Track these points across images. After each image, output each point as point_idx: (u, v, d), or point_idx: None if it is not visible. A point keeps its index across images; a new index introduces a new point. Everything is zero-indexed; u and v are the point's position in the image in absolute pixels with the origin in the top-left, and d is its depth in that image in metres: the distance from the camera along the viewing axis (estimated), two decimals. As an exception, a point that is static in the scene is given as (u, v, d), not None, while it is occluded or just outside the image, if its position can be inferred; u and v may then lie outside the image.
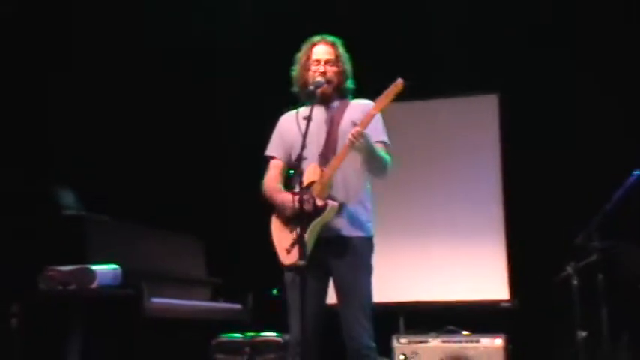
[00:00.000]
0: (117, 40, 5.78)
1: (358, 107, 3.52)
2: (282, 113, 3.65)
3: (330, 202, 3.34)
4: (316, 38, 3.57)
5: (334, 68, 3.51)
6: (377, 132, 3.43)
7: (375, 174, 3.46)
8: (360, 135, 3.23)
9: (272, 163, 3.60)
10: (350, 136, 3.24)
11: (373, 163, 3.39)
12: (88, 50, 5.80)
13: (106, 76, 5.78)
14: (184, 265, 4.86)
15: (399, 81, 3.22)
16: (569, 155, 5.29)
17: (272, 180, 3.55)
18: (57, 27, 5.72)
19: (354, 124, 3.27)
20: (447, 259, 5.46)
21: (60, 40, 5.73)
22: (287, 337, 4.34)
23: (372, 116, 3.29)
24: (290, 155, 3.53)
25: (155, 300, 4.10)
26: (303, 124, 3.29)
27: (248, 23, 5.91)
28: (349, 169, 3.39)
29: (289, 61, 3.60)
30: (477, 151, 5.56)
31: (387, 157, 3.44)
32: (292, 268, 3.28)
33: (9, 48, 5.44)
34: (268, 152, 3.63)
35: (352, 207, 3.42)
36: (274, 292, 4.43)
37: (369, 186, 3.53)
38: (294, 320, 3.31)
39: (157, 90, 5.84)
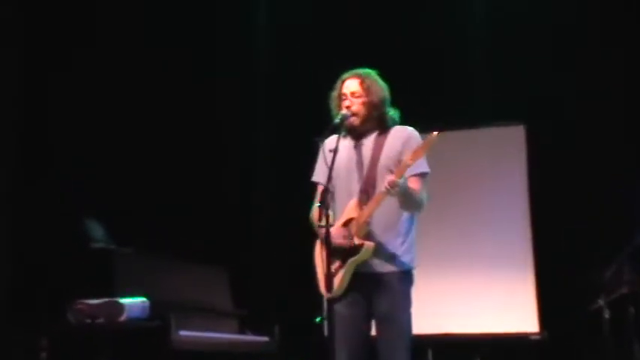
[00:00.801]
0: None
1: (398, 136, 3.49)
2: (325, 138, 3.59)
3: (366, 243, 3.36)
4: (346, 74, 3.58)
5: (360, 99, 3.50)
6: (415, 165, 3.39)
7: (409, 212, 3.48)
8: (395, 184, 3.25)
9: (319, 189, 3.55)
10: (386, 184, 3.26)
11: (407, 205, 3.41)
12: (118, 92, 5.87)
13: (143, 107, 5.85)
14: (211, 296, 4.86)
15: (434, 134, 3.23)
16: (598, 186, 5.24)
17: (317, 208, 3.53)
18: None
19: (390, 172, 3.30)
20: (476, 291, 5.40)
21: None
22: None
23: (407, 166, 3.29)
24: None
25: (183, 332, 4.10)
26: (330, 156, 3.32)
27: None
28: (388, 205, 3.39)
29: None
30: (505, 182, 5.53)
31: (422, 198, 3.44)
32: (330, 300, 3.28)
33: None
34: (314, 178, 3.62)
35: (389, 243, 3.42)
36: (318, 320, 4.40)
37: (411, 219, 3.50)
38: (339, 351, 3.28)
39: (191, 129, 5.90)
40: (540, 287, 5.33)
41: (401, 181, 3.27)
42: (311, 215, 3.54)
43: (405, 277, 3.45)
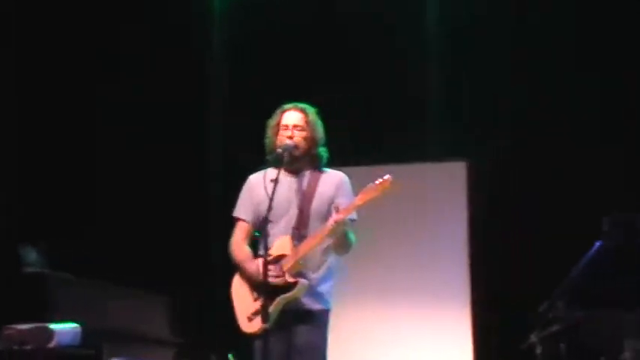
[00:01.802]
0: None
1: (330, 180, 3.55)
2: (250, 173, 3.67)
3: (301, 281, 3.39)
4: (288, 105, 3.62)
5: (303, 133, 3.53)
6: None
7: (338, 254, 3.54)
8: (343, 223, 3.30)
9: (239, 224, 3.61)
10: (331, 222, 3.30)
11: (341, 246, 3.47)
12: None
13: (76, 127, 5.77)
14: (148, 324, 4.78)
15: (388, 178, 3.27)
16: (536, 224, 5.34)
17: (240, 243, 3.56)
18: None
19: (336, 209, 3.32)
20: (411, 324, 5.44)
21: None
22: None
23: (356, 206, 3.35)
24: (257, 217, 3.54)
25: (115, 360, 4.02)
26: (270, 186, 3.33)
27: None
28: (319, 245, 3.44)
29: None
30: (444, 218, 5.60)
31: (353, 240, 3.49)
32: (253, 335, 3.31)
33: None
34: (236, 213, 3.63)
35: (319, 282, 3.47)
36: (230, 356, 4.39)
37: (335, 260, 3.55)
38: None
39: (124, 146, 5.84)
40: (477, 323, 5.39)
41: (346, 219, 3.30)
42: (230, 249, 3.56)
43: (327, 314, 3.51)
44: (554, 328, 4.15)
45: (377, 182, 3.30)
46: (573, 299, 4.16)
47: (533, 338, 4.27)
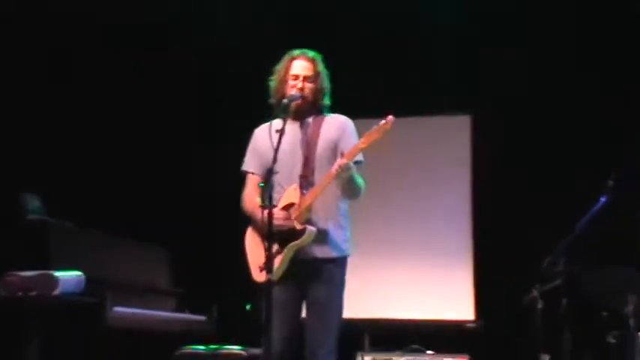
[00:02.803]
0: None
1: (333, 124, 3.52)
2: (256, 126, 3.63)
3: (309, 228, 3.36)
4: (296, 52, 3.56)
5: (311, 85, 3.50)
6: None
7: (349, 198, 3.50)
8: (347, 167, 3.27)
9: (249, 177, 3.59)
10: (336, 167, 3.27)
11: (350, 190, 3.43)
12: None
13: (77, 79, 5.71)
14: (149, 274, 4.80)
15: (390, 118, 3.23)
16: (540, 179, 5.33)
17: (251, 195, 3.54)
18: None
19: (342, 154, 3.29)
20: (414, 278, 5.47)
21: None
22: (251, 351, 4.33)
23: (359, 149, 3.30)
24: (264, 168, 3.50)
25: (118, 309, 4.04)
26: (275, 137, 3.29)
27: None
28: (328, 191, 3.40)
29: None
30: (448, 172, 5.59)
31: (362, 184, 3.45)
32: (263, 284, 3.27)
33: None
34: (245, 167, 3.62)
35: (329, 228, 3.44)
36: (247, 307, 4.40)
37: (346, 205, 3.53)
38: (274, 335, 3.25)
39: (123, 93, 5.78)
40: (478, 276, 5.42)
41: (351, 163, 3.27)
42: (242, 202, 3.56)
43: (341, 263, 3.48)
44: (556, 282, 4.17)
45: (380, 124, 3.26)
46: (576, 254, 4.17)
47: (534, 292, 4.29)
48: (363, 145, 3.29)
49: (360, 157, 3.44)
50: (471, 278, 5.42)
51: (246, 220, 3.55)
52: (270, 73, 3.57)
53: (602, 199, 4.06)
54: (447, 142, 5.63)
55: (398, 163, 5.56)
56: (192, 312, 4.85)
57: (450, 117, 5.69)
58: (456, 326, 5.34)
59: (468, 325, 5.34)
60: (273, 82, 3.55)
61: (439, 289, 5.44)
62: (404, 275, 5.48)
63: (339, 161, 3.27)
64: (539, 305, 4.24)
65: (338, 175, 3.28)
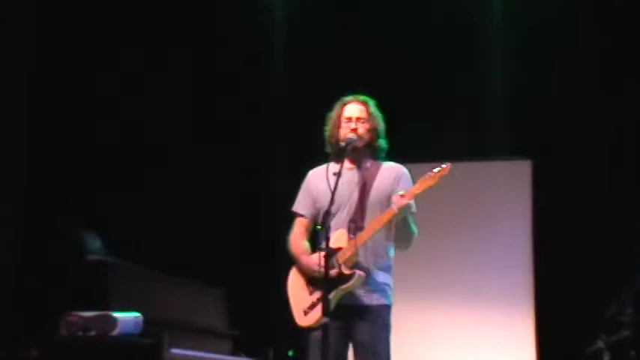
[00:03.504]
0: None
1: (389, 172, 3.51)
2: (310, 168, 3.64)
3: (357, 272, 3.33)
4: (348, 98, 3.59)
5: (366, 125, 3.51)
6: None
7: (400, 246, 3.47)
8: (408, 207, 3.24)
9: (298, 220, 3.59)
10: (396, 207, 3.24)
11: (404, 235, 3.40)
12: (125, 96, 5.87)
13: (137, 116, 5.82)
14: (205, 316, 4.80)
15: (448, 165, 3.23)
16: (602, 224, 5.20)
17: (298, 237, 3.54)
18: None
19: (401, 196, 3.26)
20: (474, 326, 5.36)
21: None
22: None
23: (413, 194, 3.28)
24: (317, 211, 3.50)
25: (175, 351, 4.03)
26: (332, 179, 3.30)
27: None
28: (376, 238, 3.39)
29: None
30: (509, 216, 5.51)
31: (415, 231, 3.42)
32: (308, 329, 3.28)
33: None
34: (295, 208, 3.62)
35: (377, 275, 3.41)
36: (290, 353, 4.37)
37: (393, 253, 3.50)
38: None
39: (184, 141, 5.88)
40: (539, 323, 5.28)
41: (412, 203, 3.23)
42: (288, 244, 3.55)
43: (388, 310, 3.44)
44: (624, 333, 4.02)
45: (435, 170, 3.24)
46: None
47: (600, 344, 4.15)
48: (417, 191, 3.27)
49: (413, 207, 3.39)
50: (532, 326, 5.29)
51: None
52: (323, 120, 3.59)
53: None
54: (507, 187, 5.55)
55: (456, 206, 5.50)
56: (248, 355, 4.83)
57: (509, 162, 5.61)
58: (516, 377, 5.19)
59: (529, 375, 5.19)
60: (327, 130, 3.57)
61: (500, 337, 5.32)
62: (463, 322, 5.38)
63: (402, 201, 3.24)
64: (606, 357, 4.09)
65: (397, 214, 3.25)
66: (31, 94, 5.52)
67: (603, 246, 5.15)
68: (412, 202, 3.35)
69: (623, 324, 4.03)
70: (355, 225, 3.38)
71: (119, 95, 5.78)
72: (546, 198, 5.43)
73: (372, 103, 3.57)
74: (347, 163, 3.45)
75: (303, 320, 3.37)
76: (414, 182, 3.38)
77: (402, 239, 3.41)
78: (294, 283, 3.47)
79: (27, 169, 5.45)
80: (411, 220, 3.37)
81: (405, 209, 3.25)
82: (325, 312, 3.12)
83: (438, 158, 3.28)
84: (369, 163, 3.52)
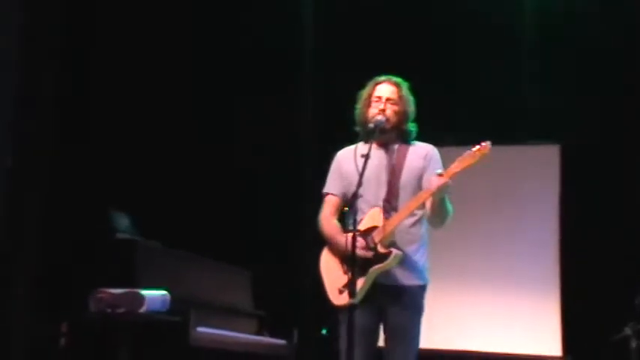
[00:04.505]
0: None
1: (419, 152, 3.50)
2: (339, 149, 3.63)
3: (395, 251, 3.32)
4: (382, 77, 3.58)
5: (395, 107, 3.49)
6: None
7: (435, 224, 3.45)
8: (446, 187, 3.21)
9: (328, 199, 3.58)
10: (435, 186, 3.22)
11: (440, 214, 3.37)
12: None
13: (170, 102, 5.85)
14: (231, 296, 4.84)
15: (488, 143, 3.20)
16: (631, 211, 5.15)
17: (329, 217, 3.54)
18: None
19: (439, 175, 3.24)
20: (500, 309, 5.35)
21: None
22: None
23: (454, 173, 3.25)
24: (346, 192, 3.50)
25: (201, 329, 4.08)
26: (360, 161, 3.28)
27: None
28: (411, 217, 3.39)
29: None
30: (536, 202, 5.47)
31: (451, 210, 3.40)
32: (343, 308, 3.25)
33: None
34: (326, 189, 3.61)
35: (412, 254, 3.40)
36: (323, 331, 4.38)
37: (427, 233, 3.49)
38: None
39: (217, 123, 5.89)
40: (566, 310, 5.25)
41: (450, 182, 3.22)
42: (319, 225, 3.54)
43: (422, 291, 3.45)
44: (652, 321, 3.99)
45: (474, 149, 3.22)
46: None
47: (627, 331, 4.12)
48: (456, 169, 3.24)
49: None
50: (558, 311, 5.27)
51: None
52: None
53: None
54: (536, 172, 5.52)
55: (484, 191, 5.47)
56: (273, 335, 4.86)
57: (538, 146, 5.56)
58: (541, 361, 5.18)
59: (555, 360, 5.17)
60: (358, 109, 3.56)
61: (524, 321, 5.30)
62: (487, 307, 5.37)
63: (441, 180, 3.22)
64: (634, 344, 4.06)
65: (438, 194, 3.23)
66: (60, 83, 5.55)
67: (632, 233, 5.09)
68: (450, 181, 3.32)
69: (652, 311, 4.00)
70: (390, 205, 3.38)
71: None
72: (575, 183, 5.38)
73: (404, 85, 3.55)
74: (375, 145, 3.43)
75: (338, 299, 3.35)
76: (451, 163, 3.34)
77: (438, 218, 3.39)
78: (328, 263, 3.47)
79: (54, 147, 5.49)
80: (447, 199, 3.35)
81: (443, 189, 3.22)
82: (352, 294, 3.11)
83: (468, 142, 3.26)
84: (397, 145, 3.51)
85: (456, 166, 3.25)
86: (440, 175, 3.23)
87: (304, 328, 4.93)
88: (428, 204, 3.38)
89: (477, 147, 3.21)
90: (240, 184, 5.90)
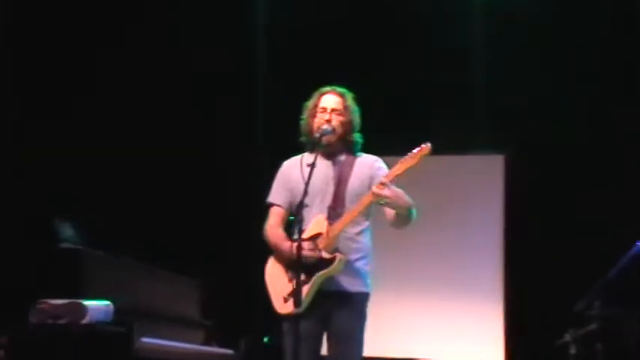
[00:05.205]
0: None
1: (366, 163, 3.52)
2: (285, 159, 3.65)
3: (339, 255, 3.34)
4: (326, 88, 3.59)
5: (340, 118, 3.50)
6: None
7: (397, 225, 3.43)
8: (385, 186, 3.23)
9: (273, 209, 3.59)
10: (374, 191, 3.24)
11: (401, 210, 3.35)
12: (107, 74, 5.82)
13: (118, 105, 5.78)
14: (178, 306, 4.79)
15: (428, 145, 3.23)
16: (572, 220, 5.27)
17: (274, 227, 3.54)
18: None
19: (381, 183, 3.25)
20: (444, 317, 5.41)
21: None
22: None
23: (395, 175, 3.30)
24: (292, 202, 3.51)
25: (145, 340, 4.02)
26: (306, 170, 3.30)
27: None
28: (357, 226, 3.41)
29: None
30: (480, 211, 5.55)
31: (412, 205, 3.39)
32: (288, 317, 3.25)
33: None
34: (270, 199, 3.61)
35: (356, 263, 3.42)
36: (266, 340, 4.37)
37: (371, 240, 3.52)
38: None
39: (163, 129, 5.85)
40: (509, 317, 5.33)
41: (388, 182, 3.25)
42: (265, 233, 3.55)
43: (366, 299, 3.46)
44: (591, 327, 4.07)
45: (415, 150, 3.26)
46: (611, 298, 4.08)
47: (567, 337, 4.20)
48: (398, 172, 3.28)
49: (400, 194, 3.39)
50: (501, 320, 5.35)
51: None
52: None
53: (639, 243, 3.99)
54: (480, 181, 5.60)
55: (429, 200, 5.47)
56: (221, 345, 4.83)
57: (483, 156, 5.65)
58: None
59: (498, 367, 5.24)
60: (303, 119, 3.57)
61: (468, 329, 5.37)
62: (431, 314, 5.44)
63: (374, 187, 3.25)
64: (572, 350, 4.14)
65: (376, 196, 3.25)
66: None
67: (574, 241, 5.21)
68: (387, 191, 3.34)
69: (591, 317, 4.08)
70: (335, 212, 3.39)
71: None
72: (518, 193, 5.48)
73: (349, 96, 3.56)
74: (321, 156, 3.45)
75: (282, 307, 3.36)
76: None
77: (403, 214, 3.38)
78: (273, 271, 3.47)
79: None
80: (404, 196, 3.35)
81: (385, 188, 3.24)
82: (297, 303, 3.13)
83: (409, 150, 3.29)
84: (343, 157, 3.52)
85: (397, 168, 3.29)
86: (382, 183, 3.26)
87: (253, 337, 4.91)
88: (389, 210, 3.39)
89: (418, 148, 3.25)
90: (187, 191, 5.86)
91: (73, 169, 5.56)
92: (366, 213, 3.43)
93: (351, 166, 3.50)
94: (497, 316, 5.36)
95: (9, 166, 5.26)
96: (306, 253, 3.24)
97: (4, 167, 5.20)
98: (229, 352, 4.82)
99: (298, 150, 3.59)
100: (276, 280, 3.43)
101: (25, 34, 5.57)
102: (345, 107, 3.52)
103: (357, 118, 3.55)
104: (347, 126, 3.51)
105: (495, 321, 5.35)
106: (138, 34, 5.83)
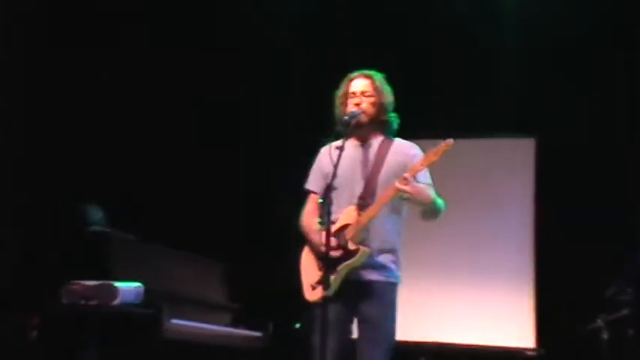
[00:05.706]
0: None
1: (401, 150, 3.47)
2: (323, 145, 3.62)
3: (362, 248, 3.33)
4: (354, 73, 3.56)
5: (371, 99, 3.47)
6: (422, 176, 3.40)
7: (426, 218, 3.44)
8: (408, 181, 3.22)
9: (310, 196, 3.59)
10: (394, 187, 3.24)
11: (426, 206, 3.37)
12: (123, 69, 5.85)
13: (145, 91, 5.80)
14: (206, 289, 4.83)
15: (450, 141, 3.22)
16: (604, 203, 5.19)
17: (310, 215, 3.53)
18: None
19: (404, 178, 3.24)
20: (474, 302, 5.37)
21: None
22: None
23: (417, 170, 3.28)
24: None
25: (174, 321, 4.06)
26: (335, 154, 3.27)
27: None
28: (386, 215, 3.39)
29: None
30: (511, 195, 5.49)
31: (441, 204, 3.40)
32: (316, 303, 3.27)
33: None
34: (307, 185, 3.61)
35: (383, 254, 3.41)
36: (297, 326, 4.39)
37: (401, 230, 3.49)
38: (317, 356, 3.25)
39: (193, 120, 5.86)
40: (539, 302, 5.28)
41: (414, 180, 3.23)
42: (300, 220, 3.55)
43: (394, 288, 3.44)
44: (623, 312, 4.03)
45: (437, 147, 3.23)
46: (644, 284, 4.03)
47: (599, 322, 4.16)
48: (420, 168, 3.27)
49: (427, 179, 3.41)
50: (532, 304, 5.30)
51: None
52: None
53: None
54: (511, 165, 5.53)
55: (459, 184, 5.48)
56: (248, 328, 4.85)
57: (513, 139, 5.59)
58: (514, 353, 5.21)
59: (528, 352, 5.21)
60: (336, 108, 3.54)
61: (499, 314, 5.33)
62: (463, 299, 5.39)
63: (396, 183, 3.24)
64: (605, 336, 4.10)
65: (398, 190, 3.23)
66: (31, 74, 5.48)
67: (604, 227, 5.14)
68: (427, 178, 3.34)
69: (623, 303, 4.03)
70: (365, 202, 3.37)
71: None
72: (550, 177, 5.42)
73: (378, 76, 3.52)
74: (353, 140, 3.43)
75: (310, 295, 3.39)
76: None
77: (428, 209, 3.39)
78: (306, 259, 3.48)
79: (26, 140, 5.43)
80: (433, 194, 3.35)
81: (409, 184, 3.22)
82: (325, 287, 3.13)
83: (443, 135, 3.26)
84: (378, 140, 3.49)
85: (420, 163, 3.28)
86: (404, 177, 3.24)
87: (281, 321, 4.93)
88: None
89: (440, 144, 3.23)
90: (217, 178, 5.87)
91: (104, 155, 5.59)
92: (393, 206, 3.40)
93: (384, 152, 3.46)
94: (528, 302, 5.31)
95: (40, 153, 5.31)
96: (333, 253, 3.23)
97: (36, 154, 5.25)
98: (257, 334, 4.84)
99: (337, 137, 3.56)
100: (308, 268, 3.45)
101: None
102: (375, 88, 3.48)
103: (389, 98, 3.50)
104: (378, 106, 3.47)
105: (526, 307, 5.30)
106: (174, 20, 5.84)
